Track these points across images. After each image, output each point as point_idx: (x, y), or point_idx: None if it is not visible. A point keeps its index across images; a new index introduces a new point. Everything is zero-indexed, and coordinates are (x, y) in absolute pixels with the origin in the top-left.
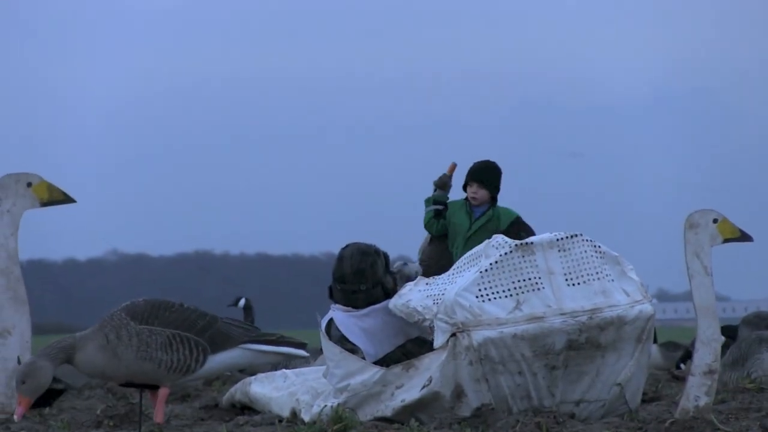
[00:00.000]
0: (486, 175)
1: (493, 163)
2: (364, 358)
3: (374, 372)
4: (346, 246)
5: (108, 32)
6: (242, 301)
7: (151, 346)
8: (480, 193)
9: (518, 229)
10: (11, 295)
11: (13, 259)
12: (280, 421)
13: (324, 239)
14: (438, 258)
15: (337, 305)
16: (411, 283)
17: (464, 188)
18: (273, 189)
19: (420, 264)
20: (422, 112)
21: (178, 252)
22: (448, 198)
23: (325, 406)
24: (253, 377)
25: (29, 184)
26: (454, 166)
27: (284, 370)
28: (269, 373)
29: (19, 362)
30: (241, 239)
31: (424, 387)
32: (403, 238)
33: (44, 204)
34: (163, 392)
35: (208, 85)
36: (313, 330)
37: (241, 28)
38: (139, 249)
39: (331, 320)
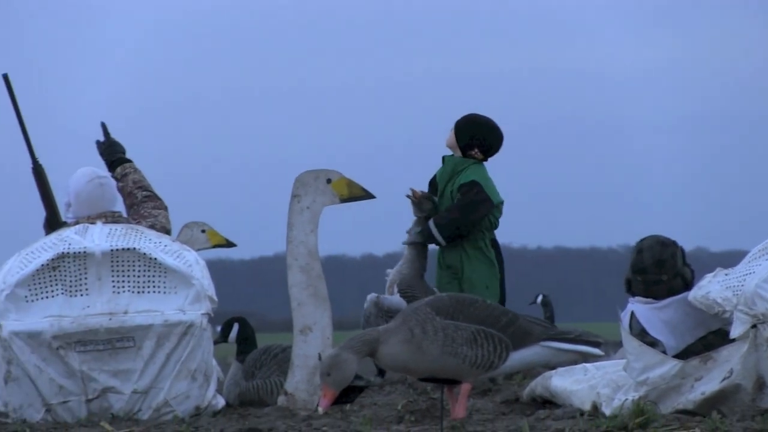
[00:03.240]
0: (461, 121)
1: (478, 116)
2: (664, 351)
3: (673, 365)
4: (644, 238)
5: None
6: (540, 297)
7: (456, 341)
8: (449, 136)
9: (464, 191)
10: (312, 292)
11: (313, 256)
12: (581, 414)
13: (621, 232)
14: (423, 291)
15: (637, 298)
16: (710, 275)
17: None
18: (571, 180)
19: (402, 294)
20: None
21: None
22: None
23: (626, 399)
24: (553, 371)
25: (329, 181)
26: (410, 195)
27: (584, 363)
28: (569, 366)
29: (320, 359)
30: (538, 233)
31: (724, 379)
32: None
33: (344, 200)
34: (465, 387)
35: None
36: (612, 322)
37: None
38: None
39: (632, 313)
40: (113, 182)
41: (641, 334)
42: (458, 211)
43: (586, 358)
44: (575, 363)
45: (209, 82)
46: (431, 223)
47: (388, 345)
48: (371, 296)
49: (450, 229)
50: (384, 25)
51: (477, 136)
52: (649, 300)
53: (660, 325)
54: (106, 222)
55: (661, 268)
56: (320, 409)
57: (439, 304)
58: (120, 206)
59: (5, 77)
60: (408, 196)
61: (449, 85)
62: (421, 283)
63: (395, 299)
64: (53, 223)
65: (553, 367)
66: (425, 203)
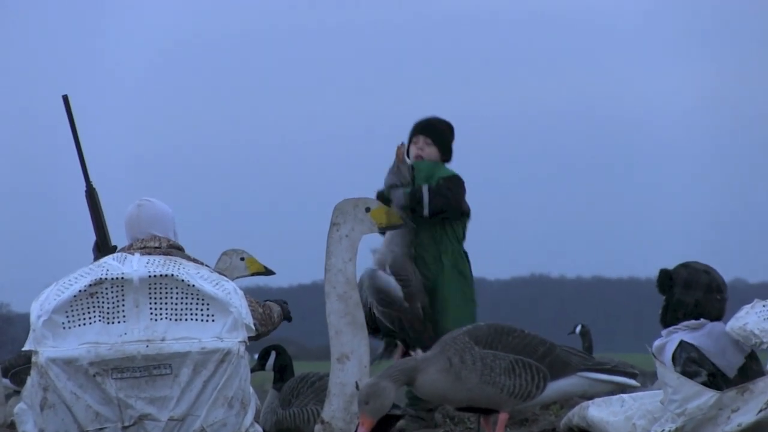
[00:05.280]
0: (435, 130)
1: (444, 120)
2: (710, 378)
3: (710, 396)
4: (687, 263)
5: None
6: (578, 327)
7: (495, 370)
8: (427, 150)
9: (445, 185)
10: (349, 320)
11: (351, 284)
12: None
13: (659, 262)
14: (414, 274)
15: (683, 325)
16: (748, 306)
17: (407, 150)
18: (610, 210)
19: (396, 277)
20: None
21: (514, 275)
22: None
23: (662, 430)
24: (590, 401)
25: (368, 209)
26: (401, 150)
27: (621, 394)
28: (606, 397)
29: (357, 387)
30: (577, 262)
31: (760, 411)
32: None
33: (382, 229)
34: (502, 417)
35: None
36: (649, 354)
37: None
38: (477, 273)
39: (680, 343)
40: (154, 204)
41: (687, 363)
42: (449, 196)
43: (623, 388)
44: (612, 393)
45: (252, 103)
46: (425, 188)
47: (426, 374)
48: (369, 268)
49: (440, 204)
50: (419, 56)
51: (452, 140)
52: (702, 322)
53: (715, 350)
54: (145, 251)
55: (726, 287)
56: None
57: (478, 333)
58: (162, 229)
59: (65, 98)
60: (398, 149)
61: (483, 122)
62: (412, 266)
63: (390, 281)
64: (103, 247)
65: (590, 398)
66: (406, 171)
